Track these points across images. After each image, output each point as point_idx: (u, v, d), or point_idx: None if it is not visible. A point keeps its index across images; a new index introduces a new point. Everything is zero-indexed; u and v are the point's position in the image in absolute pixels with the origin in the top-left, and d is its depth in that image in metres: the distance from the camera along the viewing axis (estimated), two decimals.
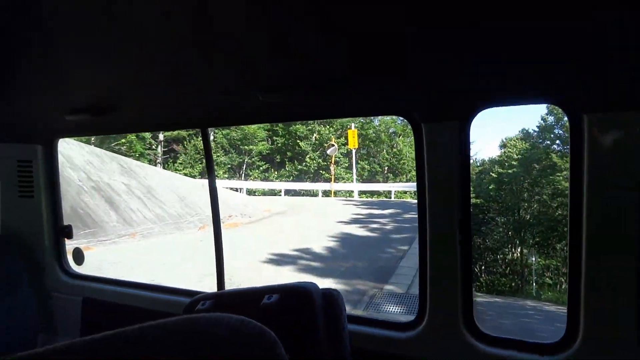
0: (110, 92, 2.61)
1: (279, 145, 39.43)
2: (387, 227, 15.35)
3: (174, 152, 36.16)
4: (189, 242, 11.93)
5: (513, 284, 36.34)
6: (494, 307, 16.53)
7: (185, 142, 35.40)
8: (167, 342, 0.89)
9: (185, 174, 28.80)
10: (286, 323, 1.74)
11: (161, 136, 35.13)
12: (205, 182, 3.34)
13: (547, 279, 33.32)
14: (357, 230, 14.39)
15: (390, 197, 27.60)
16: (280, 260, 10.19)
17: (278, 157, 39.79)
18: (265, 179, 36.69)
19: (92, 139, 24.86)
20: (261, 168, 38.41)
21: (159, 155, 35.66)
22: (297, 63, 1.98)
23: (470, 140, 2.15)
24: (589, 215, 1.84)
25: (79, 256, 3.72)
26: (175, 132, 33.82)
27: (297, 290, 1.85)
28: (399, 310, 6.88)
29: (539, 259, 35.40)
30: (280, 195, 28.61)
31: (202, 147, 3.27)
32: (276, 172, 38.72)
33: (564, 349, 1.96)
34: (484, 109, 2.06)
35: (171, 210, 14.57)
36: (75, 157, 13.92)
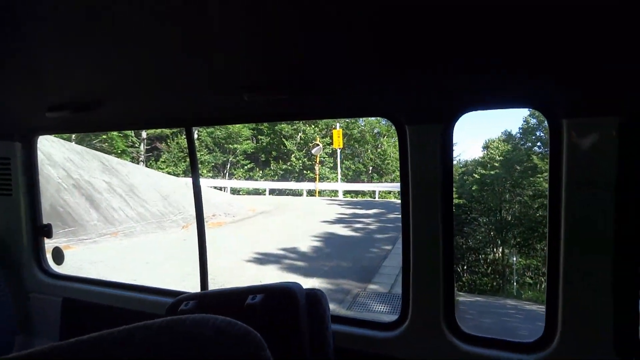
0: (91, 90, 2.57)
1: (264, 144, 39.29)
2: (371, 226, 15.40)
3: (157, 150, 35.72)
4: (172, 241, 11.80)
5: (494, 284, 36.86)
6: (475, 306, 16.74)
7: (168, 140, 35.00)
8: (154, 343, 0.88)
9: (169, 173, 28.46)
10: (270, 323, 1.75)
11: (144, 134, 34.66)
12: (189, 180, 3.31)
13: (528, 278, 33.91)
14: (341, 230, 14.40)
15: (375, 197, 27.69)
16: (264, 259, 10.15)
17: (263, 156, 39.63)
18: (250, 178, 36.50)
19: (73, 136, 24.44)
20: (246, 167, 38.20)
21: (142, 153, 35.18)
22: (282, 64, 1.98)
23: (454, 142, 2.18)
24: (567, 216, 1.89)
25: (58, 255, 3.66)
26: (159, 130, 33.41)
27: (281, 290, 1.85)
28: (382, 309, 6.92)
29: (520, 259, 36.00)
30: (264, 194, 28.48)
31: (186, 146, 3.24)
32: (261, 172, 38.55)
33: (543, 348, 2.01)
34: (467, 112, 2.11)
35: (154, 208, 14.40)
36: (55, 154, 13.64)
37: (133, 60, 2.11)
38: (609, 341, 1.86)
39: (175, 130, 31.89)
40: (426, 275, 2.23)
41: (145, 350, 0.87)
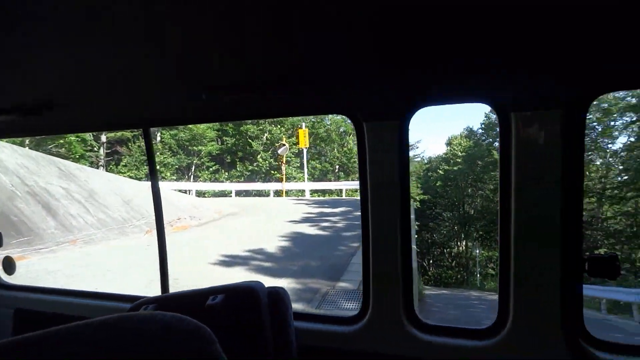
0: (42, 91, 2.44)
1: (229, 145, 38.88)
2: (339, 225, 15.49)
3: (118, 153, 34.65)
4: (135, 247, 11.46)
5: (459, 276, 38.03)
6: (441, 299, 17.22)
7: (130, 144, 34.02)
8: (96, 340, 0.87)
9: (130, 177, 27.66)
10: (232, 322, 1.77)
11: (103, 137, 33.58)
12: None
13: (490, 269, 35.13)
14: (309, 229, 14.42)
15: (342, 196, 27.91)
16: (231, 262, 10.02)
17: (228, 157, 39.22)
18: (215, 180, 36.03)
19: (27, 140, 23.37)
20: (211, 169, 37.69)
21: (102, 157, 34.05)
22: (242, 62, 1.95)
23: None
24: (517, 210, 1.98)
25: (9, 265, 3.47)
26: (119, 133, 32.48)
27: (242, 289, 1.86)
28: (351, 306, 6.95)
29: (482, 251, 37.24)
30: (231, 196, 28.16)
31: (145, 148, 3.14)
32: (226, 173, 38.14)
33: (495, 334, 2.10)
34: (422, 108, 2.16)
35: (115, 214, 13.95)
36: (7, 160, 13.00)
37: (86, 60, 2.02)
38: (557, 325, 1.96)
39: (136, 132, 31.10)
40: (386, 269, 2.27)
41: (86, 347, 0.85)
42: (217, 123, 33.62)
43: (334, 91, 2.20)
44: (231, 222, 16.11)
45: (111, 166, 33.65)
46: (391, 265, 2.26)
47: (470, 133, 43.02)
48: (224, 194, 30.24)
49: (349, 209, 19.28)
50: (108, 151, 34.41)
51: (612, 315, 14.42)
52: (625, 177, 25.10)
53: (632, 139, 25.88)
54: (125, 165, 33.43)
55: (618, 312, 15.14)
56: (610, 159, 29.40)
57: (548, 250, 1.95)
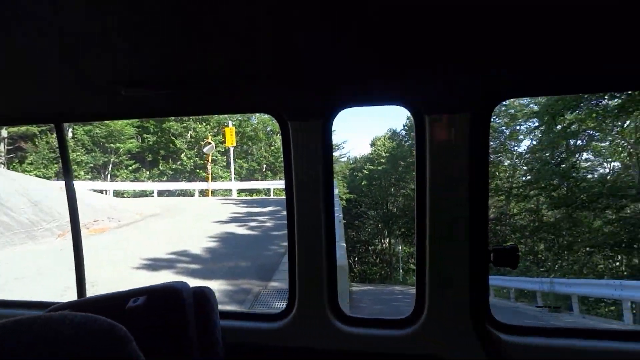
0: None
1: (151, 143, 36.97)
2: (268, 224, 15.40)
3: (22, 150, 31.49)
4: (46, 252, 10.54)
5: (383, 272, 39.59)
6: (368, 294, 17.79)
7: (36, 139, 31.08)
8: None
9: (37, 175, 25.28)
10: (155, 324, 1.76)
11: (4, 132, 30.33)
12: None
13: (412, 265, 36.92)
14: (237, 230, 14.18)
15: (270, 195, 27.77)
16: (155, 265, 9.57)
17: (150, 155, 37.30)
18: (136, 180, 34.11)
19: None
20: (130, 168, 35.58)
21: (2, 154, 30.75)
22: (162, 58, 1.89)
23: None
24: (432, 208, 2.15)
25: None
26: (24, 128, 29.51)
27: (165, 290, 1.85)
28: (285, 305, 6.97)
29: (404, 248, 39.09)
30: (152, 196, 26.84)
31: (58, 145, 2.92)
32: (148, 172, 36.25)
33: (412, 323, 2.28)
34: (343, 109, 2.26)
35: (22, 217, 12.68)
36: None
37: None
38: (466, 313, 2.18)
39: (44, 127, 28.56)
40: (311, 265, 2.34)
41: None
42: (137, 120, 31.90)
43: (257, 90, 2.22)
44: (154, 224, 15.37)
45: (14, 164, 30.51)
46: (316, 262, 2.33)
47: (393, 134, 44.86)
48: (145, 194, 28.73)
49: (278, 208, 19.24)
50: (10, 147, 31.14)
51: (519, 303, 15.84)
52: (529, 177, 27.73)
53: (535, 142, 28.63)
54: (31, 163, 30.46)
55: (525, 300, 16.69)
56: (517, 160, 32.27)
57: (458, 244, 2.14)
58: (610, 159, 25.01)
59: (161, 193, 27.94)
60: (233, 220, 16.04)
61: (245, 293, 7.65)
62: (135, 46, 1.75)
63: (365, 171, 44.03)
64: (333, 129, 2.28)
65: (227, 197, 27.12)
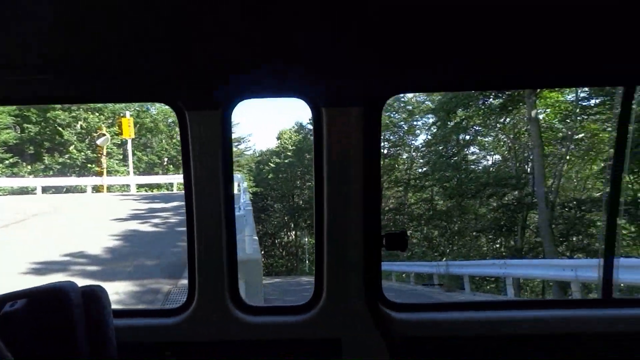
0: None
1: (33, 134, 33.03)
2: (172, 220, 14.79)
3: None
4: None
5: (289, 264, 40.02)
6: (276, 287, 17.94)
7: None
8: None
9: None
10: (37, 328, 1.69)
11: None
12: None
13: None
14: (140, 227, 13.39)
15: (172, 190, 26.53)
16: (47, 269, 8.67)
17: (31, 148, 33.33)
18: (13, 175, 30.32)
19: None
20: (6, 162, 31.49)
21: None
22: (40, 38, 1.76)
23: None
24: (328, 197, 2.28)
25: None
26: None
27: (48, 291, 1.77)
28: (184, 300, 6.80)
29: (310, 240, 39.87)
30: (35, 193, 24.14)
31: None
32: (29, 167, 32.42)
33: (311, 309, 2.39)
34: (243, 99, 2.27)
35: None
36: None
37: None
38: (361, 295, 2.35)
39: None
40: (211, 259, 2.34)
41: None
42: (13, 107, 28.31)
43: (151, 78, 2.15)
44: (41, 223, 13.90)
45: None
46: (216, 255, 2.33)
47: (300, 128, 45.33)
48: (25, 191, 25.72)
49: (182, 203, 18.46)
50: None
51: (418, 286, 17.15)
52: (425, 169, 30.00)
53: (429, 137, 31.02)
54: None
55: (423, 282, 18.14)
56: (414, 153, 34.60)
57: (353, 232, 2.29)
58: (492, 152, 28.01)
59: (46, 189, 25.26)
60: (134, 217, 15.12)
61: (154, 293, 7.32)
62: (9, 24, 1.62)
63: (271, 164, 43.99)
64: (237, 121, 2.29)
65: (125, 193, 25.35)
